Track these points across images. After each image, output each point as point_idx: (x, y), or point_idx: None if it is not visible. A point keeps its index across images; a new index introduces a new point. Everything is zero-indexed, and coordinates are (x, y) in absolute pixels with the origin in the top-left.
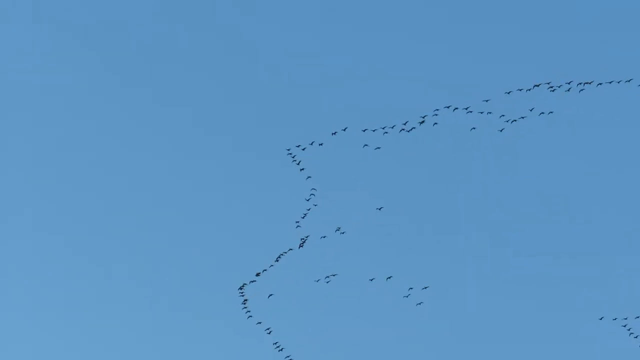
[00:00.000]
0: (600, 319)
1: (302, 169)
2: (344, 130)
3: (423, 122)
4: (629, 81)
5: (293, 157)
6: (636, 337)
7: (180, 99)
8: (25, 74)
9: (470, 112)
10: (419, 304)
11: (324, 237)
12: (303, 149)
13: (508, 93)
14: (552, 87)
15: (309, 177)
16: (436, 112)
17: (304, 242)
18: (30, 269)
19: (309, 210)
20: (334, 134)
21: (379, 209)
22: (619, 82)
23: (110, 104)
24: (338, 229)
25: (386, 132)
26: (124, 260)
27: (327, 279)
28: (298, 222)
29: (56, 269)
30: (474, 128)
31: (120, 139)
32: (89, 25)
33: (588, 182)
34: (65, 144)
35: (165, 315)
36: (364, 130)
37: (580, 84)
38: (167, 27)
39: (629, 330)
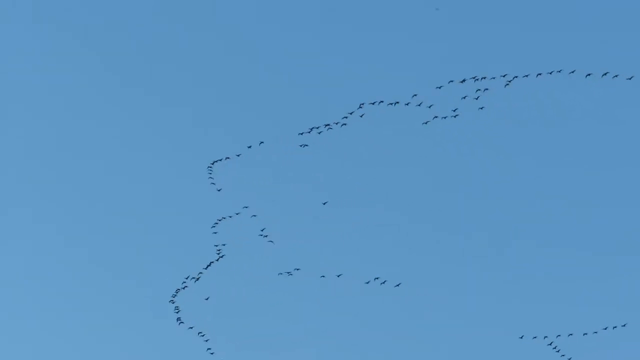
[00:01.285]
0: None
1: (213, 183)
2: (260, 144)
3: (344, 123)
4: (572, 72)
5: (210, 174)
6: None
7: (180, 99)
8: (25, 74)
9: (397, 103)
10: (397, 285)
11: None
12: (219, 161)
13: (439, 87)
14: (479, 78)
15: (220, 189)
16: (361, 106)
17: (220, 252)
18: (31, 269)
19: (223, 217)
20: (250, 147)
21: (324, 204)
22: (559, 71)
23: (110, 103)
24: (262, 230)
25: (320, 132)
26: (123, 259)
27: (289, 273)
28: (213, 227)
29: (56, 268)
30: (427, 122)
31: (120, 139)
32: (89, 25)
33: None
34: (65, 143)
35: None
36: (300, 134)
37: (515, 77)
38: (167, 27)
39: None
